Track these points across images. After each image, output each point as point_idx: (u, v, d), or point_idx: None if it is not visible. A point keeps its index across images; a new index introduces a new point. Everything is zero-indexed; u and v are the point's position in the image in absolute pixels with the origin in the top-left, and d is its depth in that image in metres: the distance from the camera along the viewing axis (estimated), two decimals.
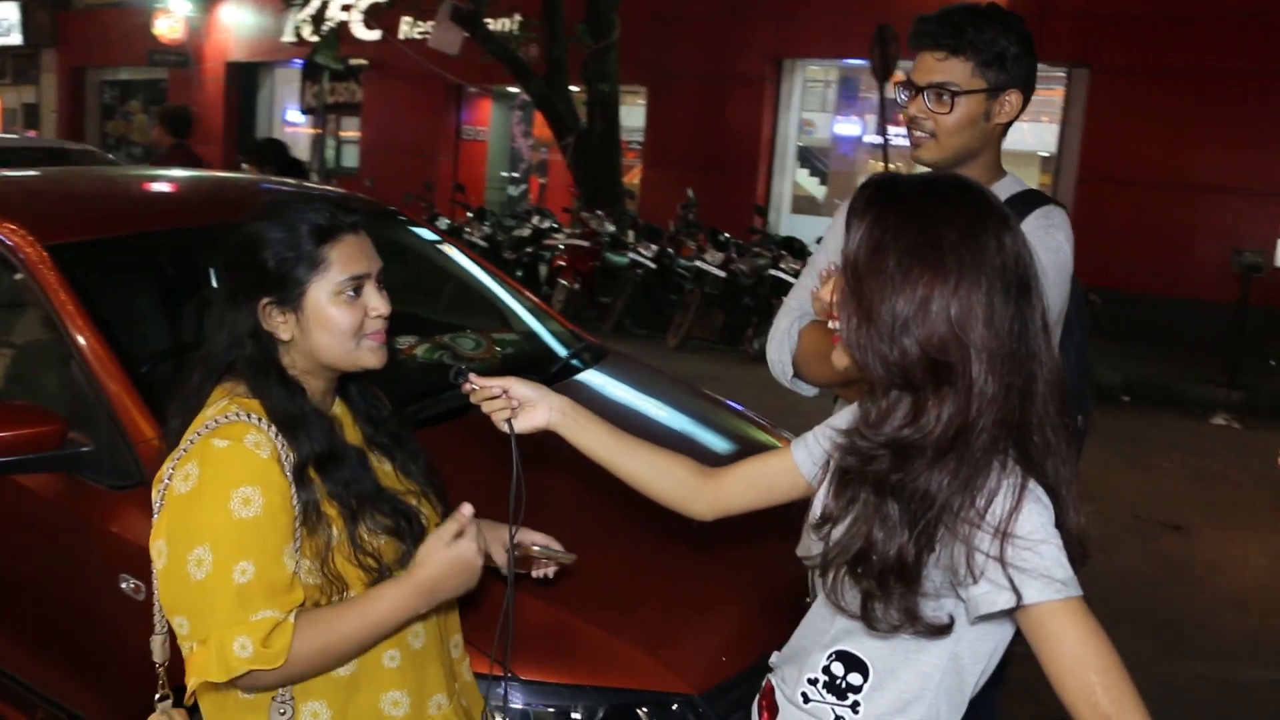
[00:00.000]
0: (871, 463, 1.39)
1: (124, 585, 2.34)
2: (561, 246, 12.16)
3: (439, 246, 3.96)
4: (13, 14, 23.77)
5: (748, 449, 3.20)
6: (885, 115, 12.57)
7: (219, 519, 1.57)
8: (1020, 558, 1.30)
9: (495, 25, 14.96)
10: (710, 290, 10.82)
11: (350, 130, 20.02)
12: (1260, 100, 11.46)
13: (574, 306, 11.35)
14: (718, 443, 3.14)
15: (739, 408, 3.45)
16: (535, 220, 13.38)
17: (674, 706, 2.11)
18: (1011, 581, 1.30)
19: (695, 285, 10.92)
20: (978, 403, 1.32)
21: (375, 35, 17.53)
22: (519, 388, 1.75)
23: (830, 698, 1.49)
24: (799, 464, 1.71)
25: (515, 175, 20.14)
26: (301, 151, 21.52)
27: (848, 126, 17.52)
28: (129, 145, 23.75)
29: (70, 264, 2.70)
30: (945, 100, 2.08)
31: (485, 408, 1.76)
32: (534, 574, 1.92)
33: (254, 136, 21.57)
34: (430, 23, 15.23)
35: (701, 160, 15.30)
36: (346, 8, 18.17)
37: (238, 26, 20.82)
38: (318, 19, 17.39)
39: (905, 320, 1.32)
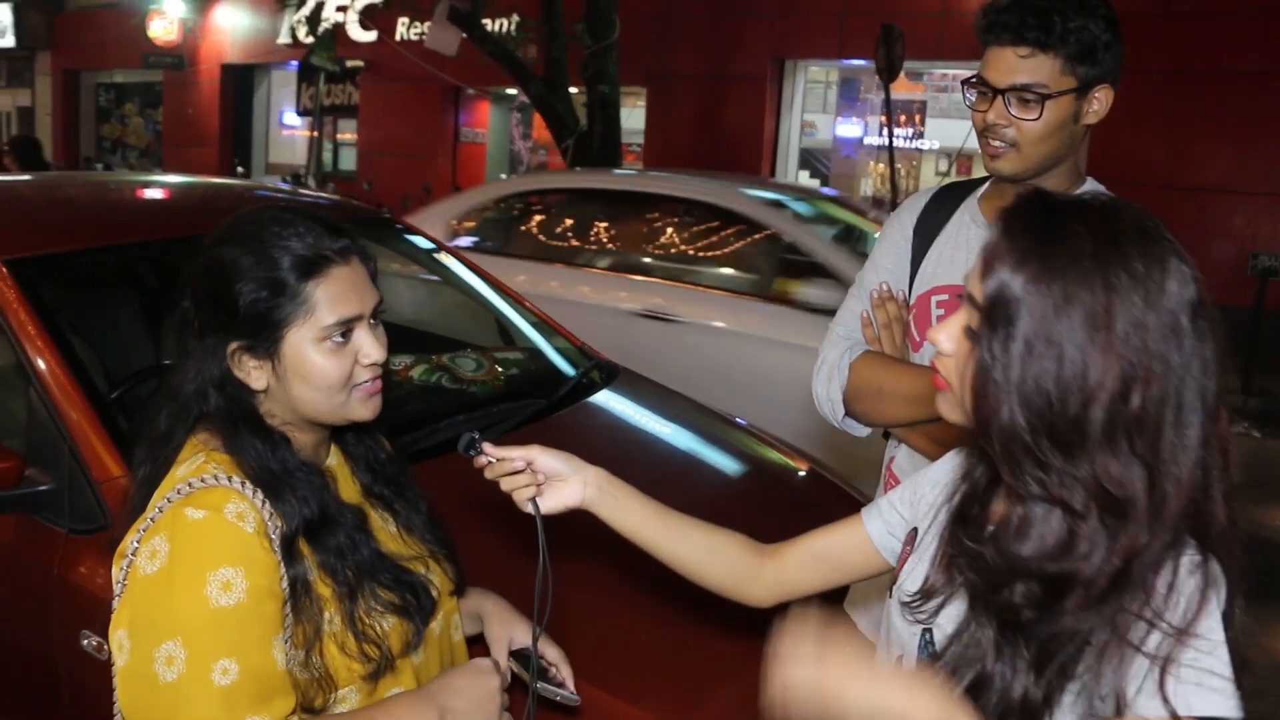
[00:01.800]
0: (999, 590, 1.11)
1: (85, 643, 2.09)
2: None
3: (436, 256, 3.72)
4: (6, 16, 23.50)
5: (774, 478, 2.98)
6: (891, 117, 12.37)
7: (193, 608, 1.29)
8: (1193, 660, 1.03)
9: (493, 26, 14.76)
10: None
11: (347, 133, 19.82)
12: (1275, 100, 11.30)
13: None
14: (741, 470, 2.90)
15: (758, 431, 3.21)
16: None
17: None
18: (1165, 693, 1.03)
19: None
20: (1173, 494, 1.04)
21: (371, 36, 17.33)
22: (545, 459, 1.49)
23: None
24: (873, 537, 1.45)
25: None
26: (299, 154, 21.38)
27: (849, 128, 17.32)
28: (125, 149, 23.52)
29: (31, 280, 2.45)
30: (1033, 105, 1.75)
31: (505, 485, 1.49)
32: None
33: (250, 139, 21.40)
34: (427, 23, 15.01)
35: (703, 162, 15.07)
36: (342, 9, 17.96)
37: (233, 28, 20.56)
38: (313, 20, 17.17)
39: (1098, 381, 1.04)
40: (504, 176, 19.52)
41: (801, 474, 3.01)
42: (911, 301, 2.00)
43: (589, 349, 3.45)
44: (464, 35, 13.27)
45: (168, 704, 1.29)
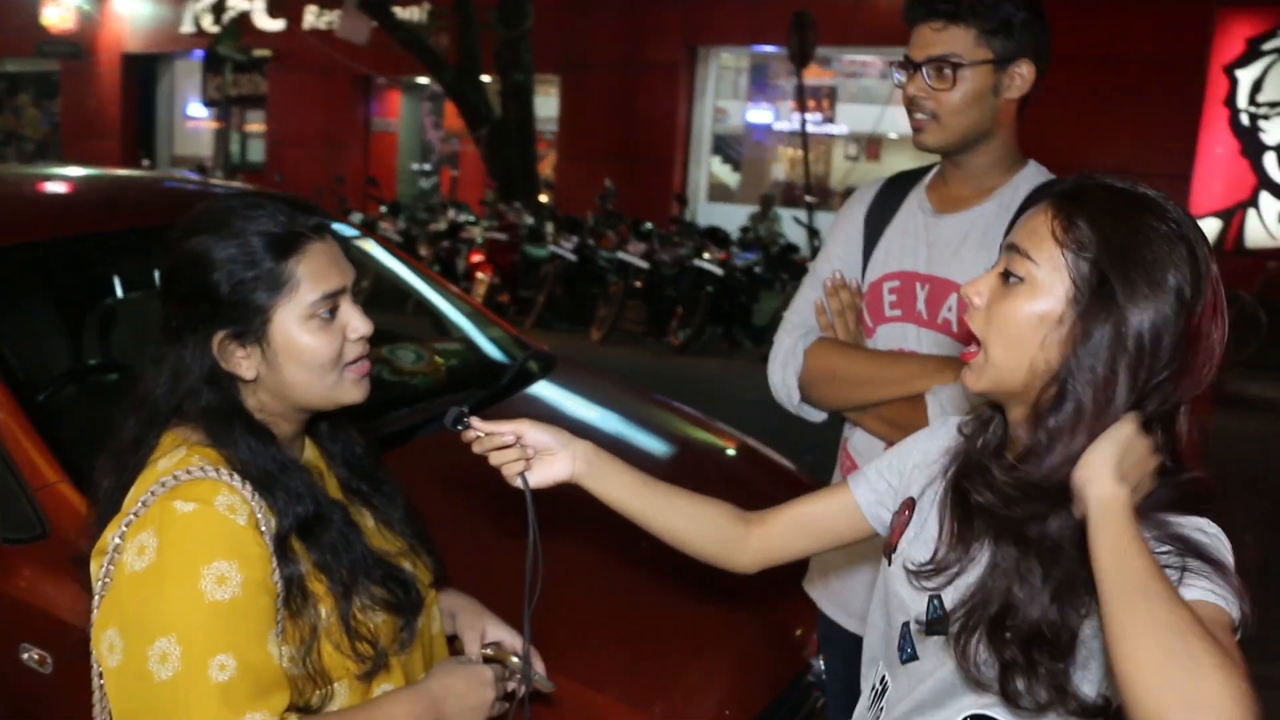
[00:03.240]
0: (1014, 505, 1.18)
1: (25, 656, 2.02)
2: (479, 240, 11.85)
3: (360, 245, 3.64)
4: None
5: (704, 457, 3.02)
6: (803, 103, 12.51)
7: (187, 603, 1.25)
8: (1196, 567, 1.11)
9: (403, 14, 14.57)
10: (633, 282, 10.62)
11: (255, 124, 19.41)
12: (1168, 84, 11.74)
13: (494, 302, 11.08)
14: (671, 452, 2.93)
15: (690, 412, 3.23)
16: (451, 213, 13.04)
17: None
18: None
19: (618, 277, 10.71)
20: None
21: (279, 25, 16.99)
22: (534, 433, 1.47)
23: None
24: (861, 505, 1.48)
25: (426, 167, 19.74)
26: (205, 146, 20.90)
27: (760, 114, 17.47)
28: (20, 141, 22.75)
29: None
30: (946, 75, 1.82)
31: (494, 459, 1.47)
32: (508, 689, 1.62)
33: (153, 131, 20.86)
34: (336, 12, 14.77)
35: (617, 149, 15.10)
36: None
37: (133, 16, 19.97)
38: (218, 9, 16.80)
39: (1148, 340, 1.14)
40: (416, 167, 19.35)
41: (731, 452, 3.05)
42: (864, 289, 2.04)
43: (525, 339, 3.43)
44: (374, 23, 13.11)
45: (164, 702, 1.25)
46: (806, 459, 3.13)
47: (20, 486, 2.11)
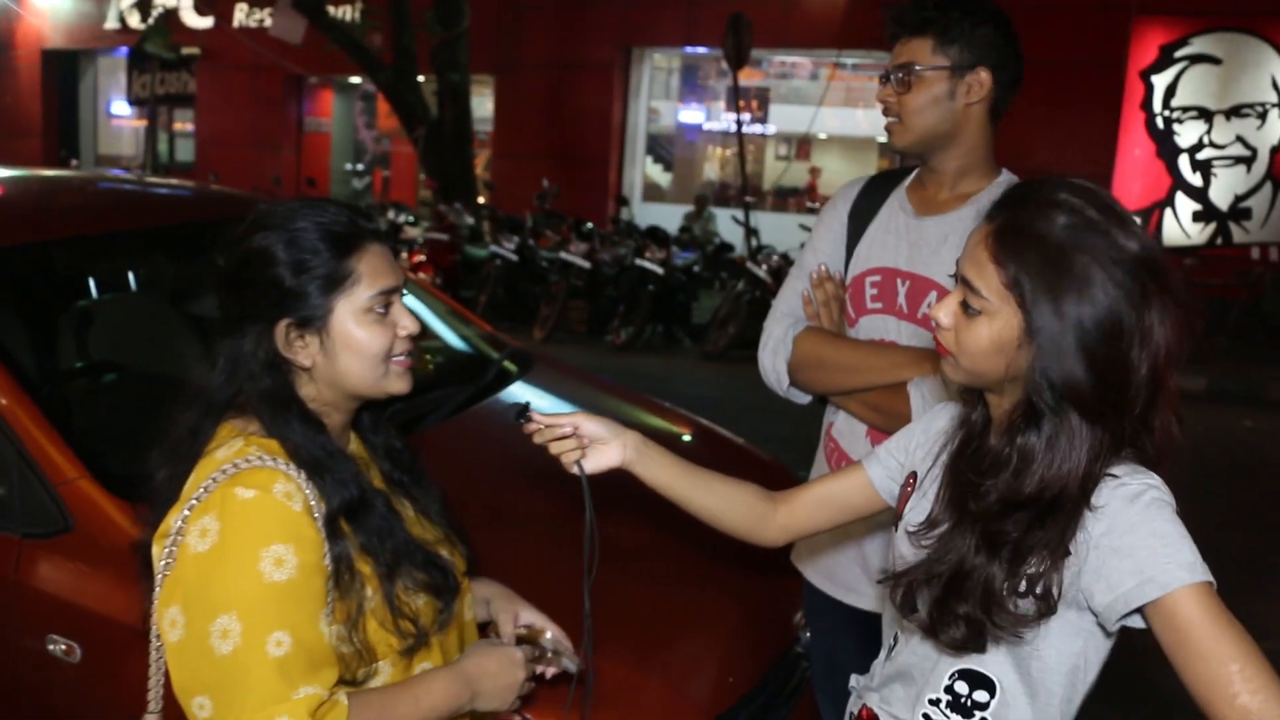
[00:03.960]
0: (997, 519, 1.35)
1: (52, 648, 2.09)
2: (420, 240, 11.87)
3: None
4: None
5: (721, 454, 3.13)
6: (739, 104, 12.70)
7: (247, 583, 1.36)
8: (1152, 551, 1.27)
9: (336, 13, 14.48)
10: (575, 281, 10.74)
11: (184, 122, 19.12)
12: (1091, 88, 12.21)
13: None
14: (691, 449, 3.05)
15: (654, 401, 3.36)
16: (391, 214, 13.02)
17: None
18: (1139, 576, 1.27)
19: (560, 277, 10.81)
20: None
21: (208, 23, 16.78)
22: (589, 424, 1.62)
23: (955, 717, 1.46)
24: (874, 481, 1.66)
25: (360, 168, 19.62)
26: (130, 145, 20.52)
27: (692, 114, 17.66)
28: None
29: None
30: (906, 80, 2.04)
31: (553, 448, 1.62)
32: (536, 670, 1.72)
33: (77, 129, 20.45)
34: (267, 10, 14.64)
35: (553, 150, 15.19)
36: None
37: (54, 11, 19.55)
38: (144, 5, 16.53)
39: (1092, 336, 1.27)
40: (349, 167, 19.22)
41: (686, 438, 3.19)
42: (847, 282, 2.21)
43: (501, 336, 3.54)
44: (309, 22, 13.02)
45: (225, 675, 1.35)
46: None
47: (42, 484, 2.17)
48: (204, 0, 16.34)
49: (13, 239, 2.65)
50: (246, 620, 1.35)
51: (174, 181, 4.00)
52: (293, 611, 1.38)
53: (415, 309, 3.60)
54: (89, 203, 3.24)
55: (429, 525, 1.66)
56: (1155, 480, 1.31)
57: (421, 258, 11.54)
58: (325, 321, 1.49)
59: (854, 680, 1.69)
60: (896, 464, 1.64)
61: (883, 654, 1.64)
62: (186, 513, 1.41)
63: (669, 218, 13.98)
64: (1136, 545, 1.27)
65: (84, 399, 2.66)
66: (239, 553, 1.37)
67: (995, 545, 1.34)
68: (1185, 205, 12.62)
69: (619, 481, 1.66)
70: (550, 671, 1.74)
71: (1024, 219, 1.31)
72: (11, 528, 2.19)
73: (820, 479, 1.74)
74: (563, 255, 10.85)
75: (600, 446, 1.63)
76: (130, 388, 2.83)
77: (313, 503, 1.44)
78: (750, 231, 11.44)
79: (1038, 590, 1.32)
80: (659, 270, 10.44)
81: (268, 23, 14.61)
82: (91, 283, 3.13)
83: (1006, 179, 2.10)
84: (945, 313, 1.40)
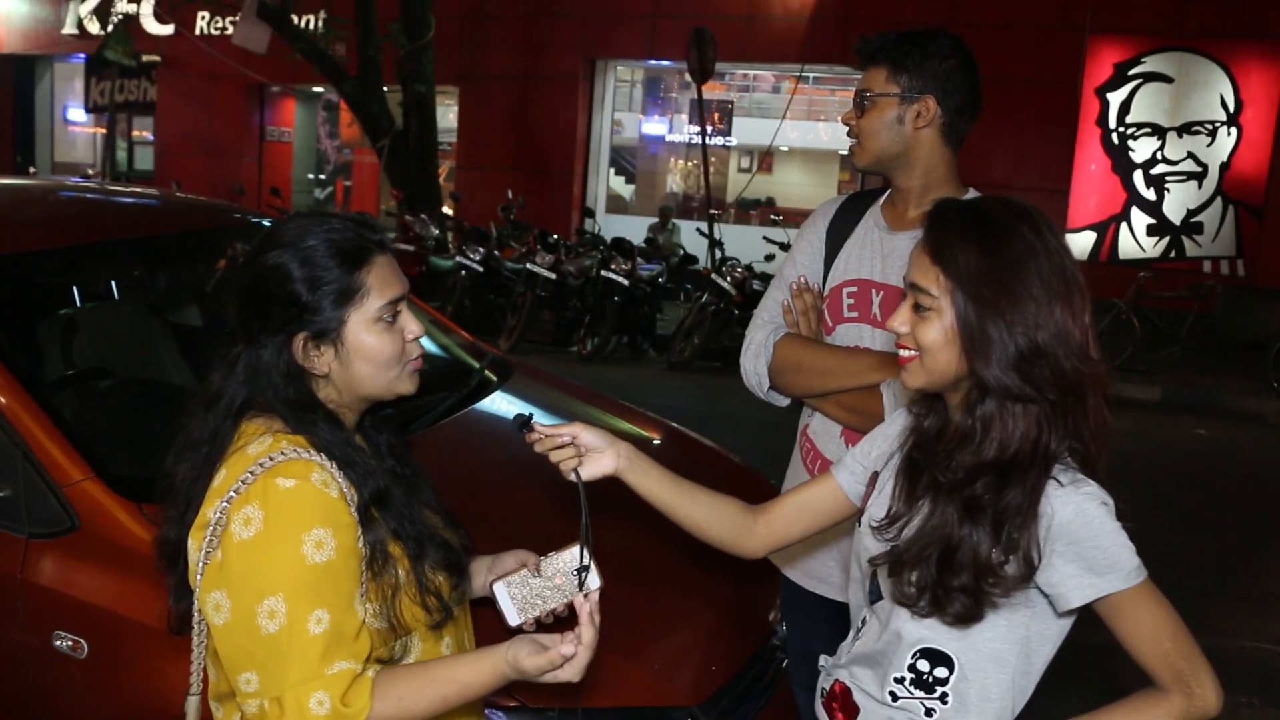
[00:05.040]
0: (967, 486, 1.50)
1: (59, 644, 2.16)
2: None
3: None
4: None
5: (708, 466, 3.22)
6: (703, 118, 12.87)
7: (291, 566, 1.46)
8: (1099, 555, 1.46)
9: (299, 22, 14.46)
10: (540, 293, 10.82)
11: (143, 130, 18.99)
12: (1048, 105, 12.52)
13: None
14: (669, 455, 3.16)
15: (627, 405, 3.47)
16: None
17: None
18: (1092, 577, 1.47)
19: (525, 288, 10.88)
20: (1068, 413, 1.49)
21: (168, 30, 16.68)
22: (586, 435, 1.73)
23: (919, 693, 1.59)
24: (843, 486, 1.79)
25: (322, 178, 19.59)
26: (85, 153, 20.34)
27: (655, 126, 17.82)
28: None
29: None
30: (862, 105, 2.22)
31: (553, 457, 1.72)
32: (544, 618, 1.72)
33: (33, 136, 20.24)
34: (229, 19, 14.61)
35: (517, 161, 15.27)
36: (135, 0, 17.24)
37: (8, 16, 19.35)
38: (103, 11, 16.42)
39: (1035, 340, 1.45)
40: (311, 177, 19.18)
41: (656, 441, 3.30)
42: (826, 292, 2.35)
43: (482, 345, 3.62)
44: (273, 31, 13.01)
45: (271, 652, 1.45)
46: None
47: (48, 486, 2.24)
48: (165, 7, 16.23)
49: (27, 245, 2.73)
50: (291, 601, 1.46)
51: (70, 186, 4.03)
52: (331, 591, 1.49)
53: None
54: (75, 213, 3.29)
55: (430, 514, 1.76)
56: (1093, 487, 1.49)
57: None
58: (339, 333, 1.59)
59: (823, 660, 1.81)
60: (861, 468, 1.78)
61: (850, 635, 1.76)
62: (225, 504, 1.50)
63: (632, 229, 14.07)
64: (1081, 552, 1.47)
65: (88, 403, 2.72)
66: (283, 538, 1.47)
67: (975, 512, 1.48)
68: (1140, 219, 12.95)
69: (610, 489, 1.76)
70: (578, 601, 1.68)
71: (952, 226, 1.51)
72: (17, 528, 2.26)
73: (795, 489, 1.87)
74: (528, 266, 10.91)
75: (596, 455, 1.74)
76: (132, 393, 2.90)
77: (346, 491, 1.54)
78: (715, 243, 11.58)
79: (1020, 553, 1.47)
80: (624, 282, 10.54)
81: (230, 31, 14.57)
82: (90, 290, 3.19)
83: (973, 196, 2.23)
84: (900, 320, 1.56)
